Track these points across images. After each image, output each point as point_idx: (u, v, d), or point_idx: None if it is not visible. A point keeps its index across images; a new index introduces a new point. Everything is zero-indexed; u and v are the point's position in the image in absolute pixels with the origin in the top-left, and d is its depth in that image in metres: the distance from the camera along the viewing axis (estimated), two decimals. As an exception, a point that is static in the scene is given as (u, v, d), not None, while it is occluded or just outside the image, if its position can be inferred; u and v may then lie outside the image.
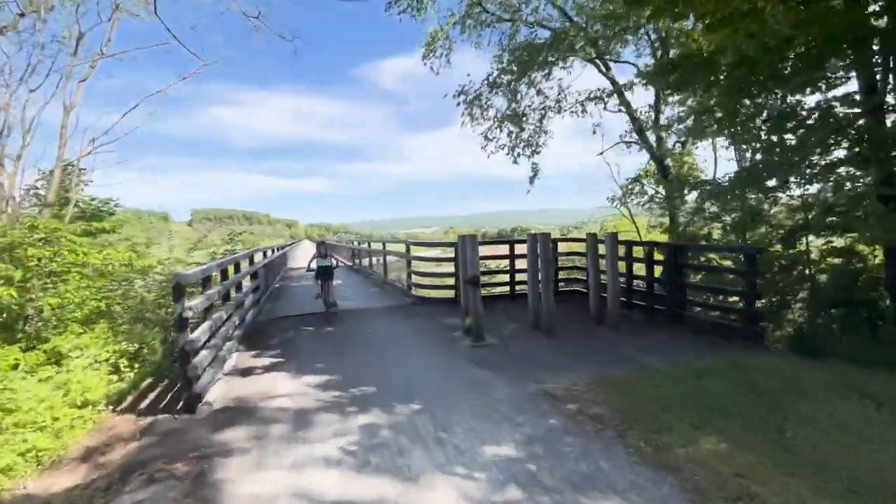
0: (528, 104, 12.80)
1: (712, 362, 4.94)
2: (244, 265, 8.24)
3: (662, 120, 12.52)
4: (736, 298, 7.44)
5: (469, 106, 14.03)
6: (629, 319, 7.44)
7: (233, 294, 7.03)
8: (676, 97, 12.14)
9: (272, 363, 5.84)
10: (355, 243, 21.27)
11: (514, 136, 13.00)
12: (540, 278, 6.83)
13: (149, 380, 5.75)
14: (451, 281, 9.43)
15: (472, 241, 6.46)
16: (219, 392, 4.83)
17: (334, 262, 8.75)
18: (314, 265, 8.47)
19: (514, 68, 12.66)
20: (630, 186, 13.64)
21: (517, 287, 9.50)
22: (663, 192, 13.13)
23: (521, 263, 8.71)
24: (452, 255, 9.06)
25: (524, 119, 12.71)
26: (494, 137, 14.28)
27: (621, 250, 7.53)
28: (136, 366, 6.03)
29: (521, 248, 10.35)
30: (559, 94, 12.50)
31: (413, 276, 10.11)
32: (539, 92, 12.33)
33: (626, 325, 7.04)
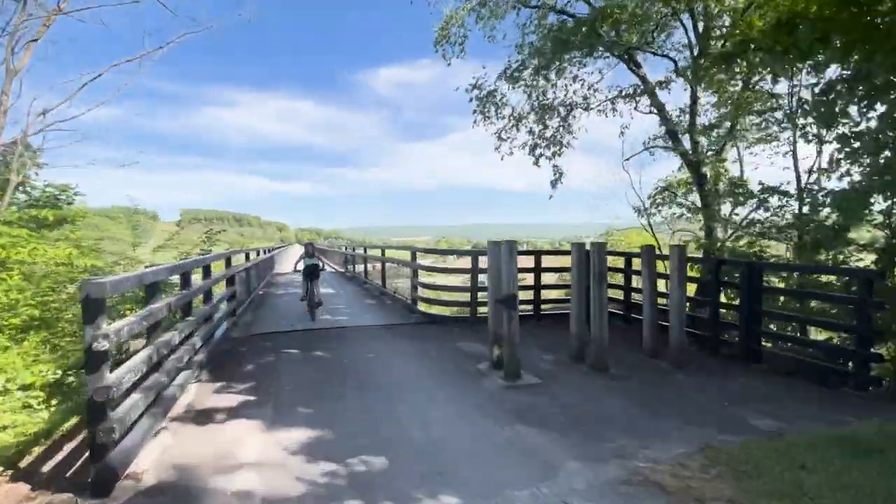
0: (553, 98, 11.49)
1: (866, 431, 3.51)
2: (217, 268, 6.76)
3: (698, 122, 11.28)
4: (829, 332, 6.06)
5: (482, 103, 12.72)
6: (687, 353, 6.02)
7: (197, 306, 5.54)
8: (712, 97, 10.95)
9: (241, 403, 4.32)
10: (348, 248, 19.79)
11: (535, 133, 11.65)
12: (592, 299, 5.40)
13: (73, 420, 4.24)
14: (467, 296, 7.99)
15: (510, 250, 5.01)
16: (156, 453, 3.31)
17: (321, 263, 9.07)
18: (300, 266, 8.70)
19: (536, 61, 11.36)
20: (660, 196, 12.34)
21: (542, 307, 8.09)
22: (695, 203, 11.89)
23: (546, 278, 7.41)
24: (469, 265, 7.64)
25: (548, 115, 11.37)
26: (509, 137, 12.99)
27: (658, 266, 6.14)
28: (56, 401, 4.50)
29: (547, 261, 8.96)
30: (588, 89, 11.20)
31: (419, 289, 8.64)
32: (566, 85, 11.00)
33: (688, 361, 5.62)
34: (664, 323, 5.81)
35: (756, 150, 10.68)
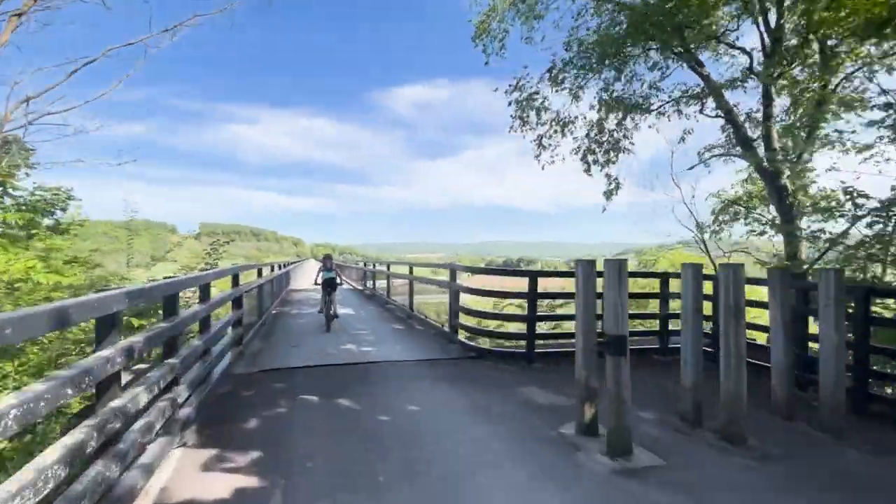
0: (610, 96, 10.13)
1: None
2: (218, 288, 5.47)
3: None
4: None
5: (521, 107, 11.47)
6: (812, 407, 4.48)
7: (190, 343, 4.24)
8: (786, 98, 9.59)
9: (237, 492, 2.94)
10: (367, 264, 18.42)
11: (590, 136, 10.29)
12: (722, 340, 3.94)
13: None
14: (520, 326, 6.58)
15: (618, 272, 3.58)
16: None
17: (337, 276, 9.32)
18: (320, 279, 9.04)
19: (592, 57, 10.07)
20: (725, 211, 10.84)
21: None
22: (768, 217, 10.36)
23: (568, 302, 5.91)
24: (526, 287, 6.23)
25: (609, 115, 10.00)
26: (551, 144, 11.68)
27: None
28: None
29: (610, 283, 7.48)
30: (650, 88, 9.83)
31: (460, 315, 7.22)
32: (625, 83, 9.63)
33: (842, 426, 4.10)
34: (761, 363, 4.30)
35: (854, 156, 9.16)
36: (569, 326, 12.49)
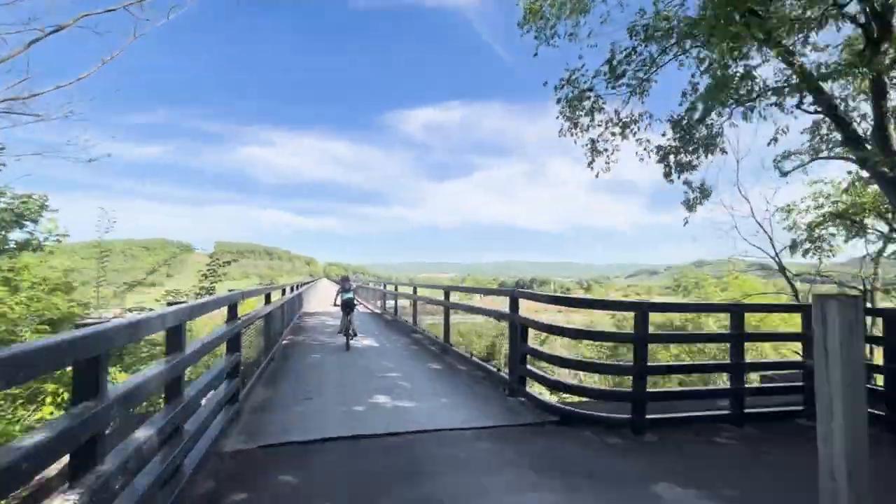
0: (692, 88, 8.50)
1: None
2: (209, 327, 3.85)
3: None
4: None
5: (572, 106, 9.90)
6: None
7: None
8: None
9: None
10: (385, 285, 16.88)
11: (675, 138, 8.63)
12: None
13: None
14: (617, 380, 4.84)
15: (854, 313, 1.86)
16: None
17: (354, 295, 9.63)
18: (339, 300, 9.30)
19: (663, 43, 8.49)
20: (823, 225, 9.02)
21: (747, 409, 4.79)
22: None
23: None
24: (632, 326, 4.48)
25: (695, 108, 8.29)
26: (608, 149, 10.08)
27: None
28: None
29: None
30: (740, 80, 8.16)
31: (519, 357, 5.42)
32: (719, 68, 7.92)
33: None
34: None
35: None
36: (685, 380, 10.30)
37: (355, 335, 8.81)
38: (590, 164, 10.13)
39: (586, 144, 10.09)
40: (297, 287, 14.36)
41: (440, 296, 8.48)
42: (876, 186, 8.81)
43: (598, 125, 9.96)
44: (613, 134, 9.83)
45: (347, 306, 8.95)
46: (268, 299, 7.22)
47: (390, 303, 15.29)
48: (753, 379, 7.23)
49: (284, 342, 8.88)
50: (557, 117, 10.15)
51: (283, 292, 9.74)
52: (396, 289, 13.59)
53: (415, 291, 10.87)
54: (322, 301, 21.90)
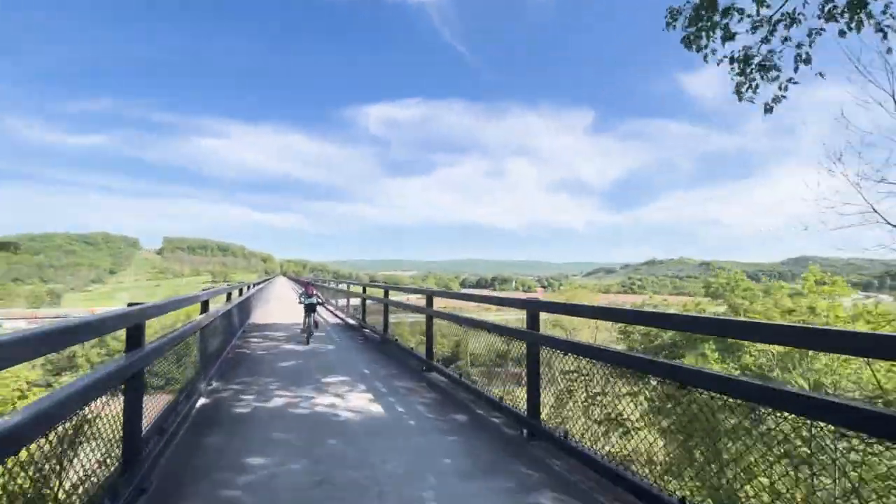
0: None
1: None
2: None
3: None
4: None
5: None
6: None
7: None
8: None
9: None
10: (365, 289, 13.42)
11: None
12: None
13: None
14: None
15: None
16: None
17: (315, 299, 10.63)
18: (304, 301, 10.43)
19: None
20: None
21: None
22: None
23: None
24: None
25: None
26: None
27: None
28: None
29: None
30: None
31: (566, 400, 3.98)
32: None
33: None
34: None
35: None
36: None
37: (312, 334, 9.87)
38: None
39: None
40: (252, 287, 12.73)
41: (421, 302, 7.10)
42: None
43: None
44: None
45: (311, 309, 10.15)
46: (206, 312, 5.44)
47: (354, 302, 13.59)
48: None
49: (199, 403, 4.90)
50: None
51: (229, 296, 8.12)
52: (387, 295, 10.45)
53: (430, 304, 8.08)
54: (279, 303, 19.62)
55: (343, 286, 16.63)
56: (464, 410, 4.89)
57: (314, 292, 10.85)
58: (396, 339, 8.84)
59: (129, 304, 2.91)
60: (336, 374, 6.50)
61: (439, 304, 7.25)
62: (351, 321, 13.48)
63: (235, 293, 9.49)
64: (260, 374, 6.43)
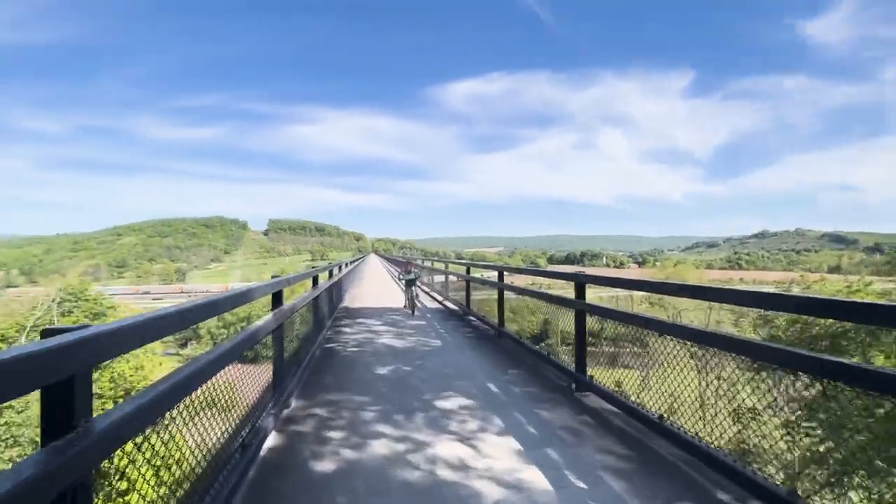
0: None
1: None
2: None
3: None
4: None
5: None
6: None
7: None
8: None
9: None
10: (469, 269, 12.96)
11: None
12: None
13: None
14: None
15: None
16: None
17: (414, 275, 11.16)
18: (403, 278, 11.30)
19: None
20: None
21: None
22: None
23: None
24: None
25: None
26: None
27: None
28: None
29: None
30: None
31: None
32: None
33: None
34: None
35: None
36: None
37: (416, 307, 10.58)
38: None
39: None
40: (344, 267, 11.67)
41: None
42: None
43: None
44: None
45: (409, 283, 10.88)
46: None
47: (443, 279, 12.11)
48: None
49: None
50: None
51: (316, 281, 6.57)
52: (468, 271, 10.22)
53: (500, 278, 7.78)
54: (372, 283, 18.37)
55: (440, 265, 15.22)
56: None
57: (412, 269, 11.59)
58: (521, 338, 6.85)
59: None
60: (453, 392, 4.67)
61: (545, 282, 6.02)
62: (451, 305, 11.88)
63: (326, 275, 8.42)
64: (351, 388, 4.80)
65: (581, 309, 4.79)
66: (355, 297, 13.57)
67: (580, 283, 4.84)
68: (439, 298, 13.61)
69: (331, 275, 8.92)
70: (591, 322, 4.68)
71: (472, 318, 9.60)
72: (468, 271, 10.52)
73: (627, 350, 4.59)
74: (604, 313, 4.50)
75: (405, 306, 10.97)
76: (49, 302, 32.89)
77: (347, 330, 8.36)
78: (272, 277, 4.18)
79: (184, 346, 56.45)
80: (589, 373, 4.62)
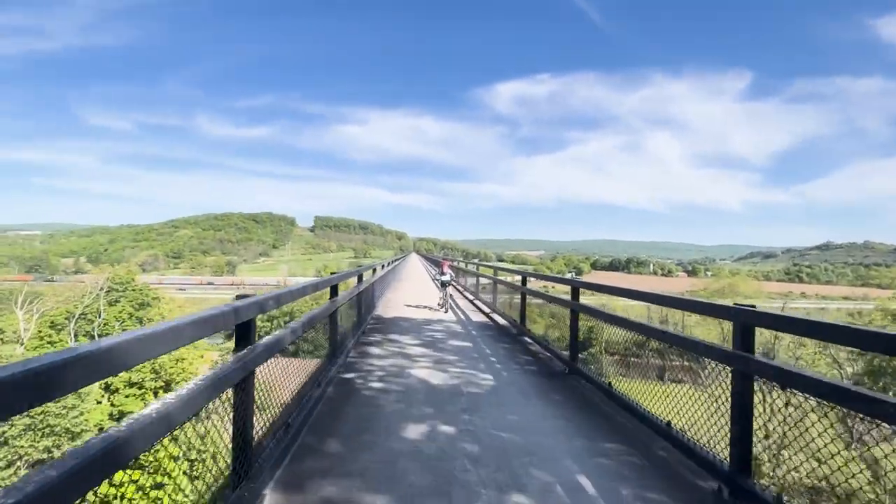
0: None
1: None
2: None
3: None
4: None
5: None
6: None
7: None
8: None
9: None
10: (486, 269, 11.52)
11: None
12: None
13: None
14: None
15: None
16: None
17: (448, 276, 11.69)
18: (439, 278, 11.98)
19: None
20: None
21: None
22: None
23: None
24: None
25: None
26: None
27: None
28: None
29: None
30: None
31: None
32: None
33: None
34: None
35: None
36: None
37: (448, 304, 11.22)
38: None
39: None
40: (360, 278, 9.95)
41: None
42: None
43: None
44: None
45: (444, 284, 11.52)
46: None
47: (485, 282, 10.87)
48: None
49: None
50: None
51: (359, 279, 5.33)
52: (524, 282, 8.48)
53: (575, 296, 5.87)
54: (411, 285, 16.89)
55: (487, 270, 13.31)
56: None
57: (447, 269, 11.92)
58: (613, 388, 4.79)
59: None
60: (525, 495, 2.82)
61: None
62: (499, 319, 9.97)
63: (354, 280, 7.07)
64: (363, 473, 3.04)
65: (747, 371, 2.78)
66: (390, 304, 12.10)
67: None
68: (485, 310, 11.85)
69: (360, 279, 7.35)
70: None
71: (528, 339, 7.78)
72: (524, 282, 8.59)
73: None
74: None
75: (439, 305, 11.43)
76: (97, 291, 33.40)
77: (375, 351, 6.70)
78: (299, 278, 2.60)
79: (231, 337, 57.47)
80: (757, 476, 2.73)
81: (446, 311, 10.86)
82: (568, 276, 10.08)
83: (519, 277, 8.81)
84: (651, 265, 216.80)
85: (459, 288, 17.05)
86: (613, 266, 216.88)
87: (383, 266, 11.45)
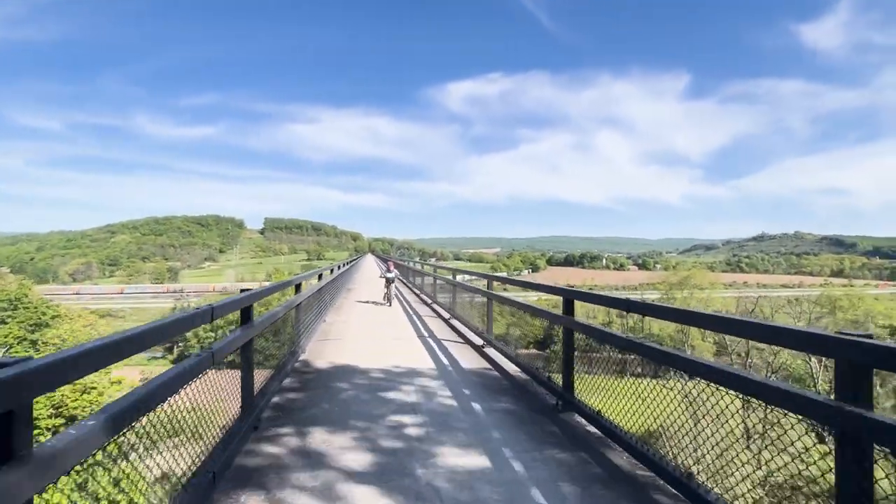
0: None
1: None
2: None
3: None
4: None
5: None
6: None
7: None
8: None
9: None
10: (462, 278, 10.87)
11: None
12: None
13: None
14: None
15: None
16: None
17: (393, 274, 13.52)
18: (385, 276, 13.72)
19: None
20: None
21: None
22: None
23: None
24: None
25: None
26: None
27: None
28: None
29: None
30: None
31: None
32: None
33: None
34: None
35: None
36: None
37: (392, 299, 12.98)
38: None
39: None
40: (321, 277, 8.54)
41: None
42: None
43: None
44: None
45: (390, 281, 13.17)
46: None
47: (469, 298, 9.34)
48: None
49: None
50: None
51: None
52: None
53: (567, 309, 5.01)
54: (368, 292, 15.85)
55: (480, 282, 9.20)
56: None
57: (392, 268, 14.10)
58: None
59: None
60: None
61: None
62: (511, 366, 6.38)
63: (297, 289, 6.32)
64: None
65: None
66: (331, 335, 8.39)
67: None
68: (462, 328, 9.05)
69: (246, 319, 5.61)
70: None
71: (541, 388, 5.40)
72: (568, 308, 7.31)
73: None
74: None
75: (384, 298, 13.49)
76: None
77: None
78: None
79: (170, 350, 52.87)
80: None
81: (390, 305, 12.94)
82: (525, 273, 9.44)
83: (484, 282, 7.81)
84: (604, 259, 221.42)
85: (416, 291, 17.71)
86: (568, 261, 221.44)
87: (322, 275, 8.62)
